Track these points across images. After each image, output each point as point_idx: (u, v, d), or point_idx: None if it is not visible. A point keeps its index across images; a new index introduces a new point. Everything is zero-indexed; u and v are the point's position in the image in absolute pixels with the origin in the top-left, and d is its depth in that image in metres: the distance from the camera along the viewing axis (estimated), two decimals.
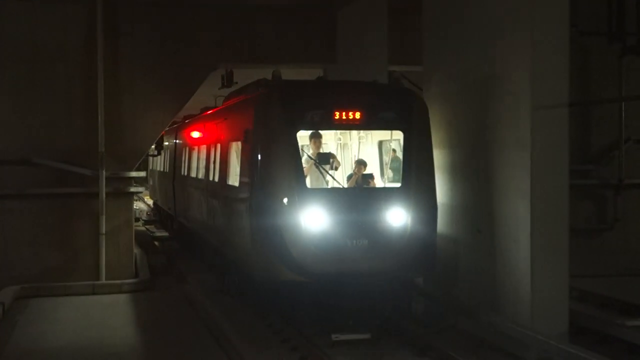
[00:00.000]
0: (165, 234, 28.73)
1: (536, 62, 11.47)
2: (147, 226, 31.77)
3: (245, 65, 19.56)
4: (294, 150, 12.04)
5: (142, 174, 19.01)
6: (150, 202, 45.82)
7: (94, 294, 16.69)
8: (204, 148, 17.97)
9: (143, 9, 17.70)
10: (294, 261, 11.73)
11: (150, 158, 32.36)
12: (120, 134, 17.50)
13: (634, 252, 18.05)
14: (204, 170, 17.51)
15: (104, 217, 17.13)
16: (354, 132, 14.25)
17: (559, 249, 11.61)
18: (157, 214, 33.65)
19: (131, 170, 17.74)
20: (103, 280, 17.10)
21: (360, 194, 12.67)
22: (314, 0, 18.11)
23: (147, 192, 51.89)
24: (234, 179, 14.10)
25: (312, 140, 13.32)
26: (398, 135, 13.06)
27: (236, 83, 21.21)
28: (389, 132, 13.48)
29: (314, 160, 13.16)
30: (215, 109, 19.19)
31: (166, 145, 27.49)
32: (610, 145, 18.24)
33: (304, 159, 12.73)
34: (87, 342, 12.73)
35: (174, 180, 23.56)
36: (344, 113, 12.34)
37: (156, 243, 26.34)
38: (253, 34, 18.22)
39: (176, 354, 12.12)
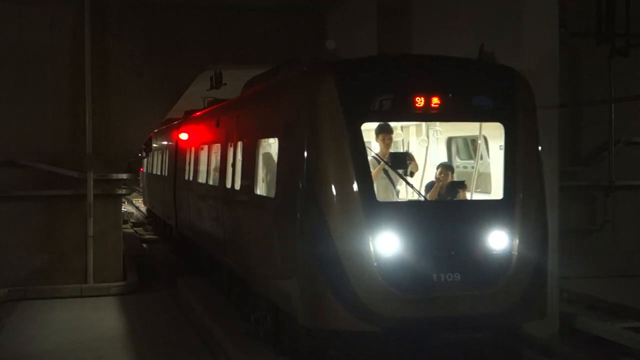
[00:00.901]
0: (153, 236, 28.63)
1: (525, 63, 11.45)
2: (135, 228, 31.66)
3: (234, 67, 19.50)
4: (359, 150, 9.07)
5: (124, 175, 18.26)
6: (140, 203, 45.73)
7: (81, 296, 16.60)
8: (217, 148, 15.09)
9: (131, 9, 17.62)
10: (357, 302, 8.72)
11: (145, 159, 30.93)
12: (108, 135, 17.42)
13: (623, 254, 18.05)
14: (217, 175, 14.65)
15: (91, 219, 17.04)
16: (422, 125, 11.35)
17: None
18: (152, 222, 31.54)
19: (119, 172, 17.65)
20: (91, 283, 17.01)
21: (449, 209, 9.63)
22: (303, 1, 18.07)
23: (136, 195, 51.74)
24: (266, 188, 11.44)
25: (380, 135, 10.44)
26: (489, 129, 10.17)
27: (225, 84, 21.13)
28: (469, 125, 10.54)
29: (385, 162, 10.22)
30: (233, 99, 15.95)
31: (163, 145, 25.13)
32: (600, 146, 18.23)
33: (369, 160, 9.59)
34: (75, 345, 12.63)
35: (176, 186, 20.71)
36: (424, 99, 9.26)
37: (144, 245, 26.25)
38: (242, 35, 18.16)
39: (164, 356, 12.05)
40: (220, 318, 13.99)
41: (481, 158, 10.50)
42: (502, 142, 9.67)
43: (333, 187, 8.93)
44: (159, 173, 25.62)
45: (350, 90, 9.19)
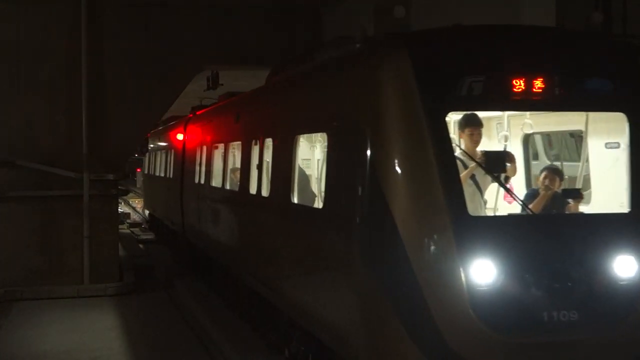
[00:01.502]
0: (150, 236, 28.56)
1: None
2: (132, 229, 31.61)
3: (231, 67, 19.46)
4: (444, 148, 6.98)
5: (120, 176, 18.14)
6: (137, 204, 45.70)
7: (78, 297, 16.54)
8: (235, 147, 13.41)
9: (127, 9, 17.56)
10: (442, 345, 6.81)
11: (146, 159, 29.53)
12: (104, 135, 17.36)
13: None
14: (237, 178, 12.91)
15: (88, 219, 16.98)
16: (504, 116, 8.99)
17: None
18: (154, 226, 29.25)
19: (116, 172, 17.60)
20: (87, 284, 16.95)
21: (563, 226, 7.44)
22: (300, 1, 18.04)
23: (133, 195, 51.72)
24: (308, 196, 9.96)
25: (467, 129, 8.17)
26: (591, 121, 8.22)
27: (221, 85, 21.11)
28: (575, 117, 8.48)
29: (479, 164, 7.96)
30: (257, 90, 13.76)
31: (167, 144, 23.21)
32: None
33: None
34: (71, 346, 12.58)
35: (183, 189, 19.05)
36: (524, 82, 7.21)
37: (141, 246, 26.20)
38: (238, 35, 18.12)
39: (161, 357, 12.01)
40: (218, 319, 13.96)
41: (586, 160, 8.39)
42: (609, 139, 7.96)
43: (410, 196, 6.93)
44: (162, 174, 23.78)
45: (430, 70, 7.14)
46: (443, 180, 6.85)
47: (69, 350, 12.32)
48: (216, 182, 14.79)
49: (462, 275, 6.76)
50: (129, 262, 19.91)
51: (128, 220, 34.33)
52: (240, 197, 12.35)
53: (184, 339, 13.04)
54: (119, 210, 24.89)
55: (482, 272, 6.82)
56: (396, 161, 7.03)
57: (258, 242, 11.25)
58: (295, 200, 9.51)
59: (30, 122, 17.01)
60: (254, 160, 11.44)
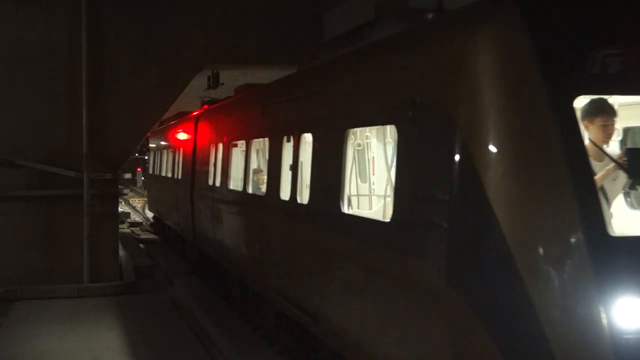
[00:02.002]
0: (151, 236, 28.56)
1: None
2: (132, 228, 31.63)
3: (231, 67, 19.46)
4: (574, 143, 5.23)
5: (121, 175, 18.15)
6: (137, 204, 45.70)
7: (78, 296, 16.55)
8: (260, 144, 12.36)
9: (127, 9, 17.57)
10: None
11: (151, 158, 27.97)
12: (104, 135, 17.37)
13: None
14: (263, 180, 11.65)
15: (88, 219, 17.00)
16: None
17: None
18: (159, 230, 28.03)
19: (116, 172, 17.62)
20: (87, 283, 16.97)
21: None
22: (300, 1, 18.04)
23: (133, 195, 51.67)
24: (367, 204, 8.68)
25: (598, 119, 6.07)
26: None
27: (222, 84, 21.11)
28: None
29: (619, 164, 5.92)
30: (287, 78, 11.78)
31: (174, 142, 21.62)
32: None
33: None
34: (72, 345, 12.58)
35: (194, 191, 17.65)
36: None
37: (141, 245, 26.22)
38: (238, 35, 18.12)
39: (160, 357, 12.02)
40: (218, 318, 13.97)
41: None
42: None
43: (529, 208, 5.19)
44: (169, 175, 22.43)
45: (553, 38, 5.34)
46: (575, 186, 5.01)
47: (68, 350, 12.32)
48: (235, 184, 13.27)
49: (604, 316, 4.87)
50: (129, 262, 19.92)
51: (128, 220, 34.38)
52: (267, 204, 10.55)
53: (183, 338, 13.03)
54: (119, 209, 24.87)
55: (632, 313, 4.91)
56: (508, 161, 5.29)
57: (290, 258, 9.55)
58: (347, 211, 7.86)
59: (31, 122, 17.02)
60: (286, 160, 9.76)
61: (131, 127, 17.75)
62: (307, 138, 9.22)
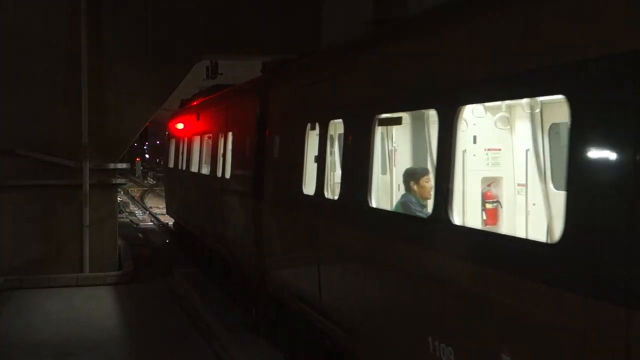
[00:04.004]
0: (149, 224, 28.48)
1: None
2: (131, 218, 31.65)
3: (229, 57, 19.45)
4: None
5: (120, 165, 17.87)
6: (135, 193, 45.63)
7: (77, 286, 16.60)
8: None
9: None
10: None
11: (171, 147, 22.58)
12: (104, 125, 17.37)
13: None
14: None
15: (87, 209, 17.03)
16: None
17: None
18: (183, 243, 22.31)
19: (115, 161, 17.64)
20: (87, 273, 17.01)
21: None
22: None
23: (132, 185, 51.46)
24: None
25: None
26: None
27: (221, 74, 21.11)
28: None
29: None
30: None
31: (218, 125, 15.89)
32: None
33: None
34: (71, 335, 12.64)
35: (263, 202, 11.50)
36: None
37: (140, 235, 26.24)
38: (237, 25, 18.10)
39: (159, 346, 12.06)
40: (216, 308, 14.03)
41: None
42: None
43: None
44: (204, 172, 16.88)
45: None
46: None
47: (68, 339, 12.37)
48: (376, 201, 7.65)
49: None
50: (128, 251, 19.96)
51: (127, 210, 34.42)
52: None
53: (182, 328, 13.07)
54: (118, 199, 24.87)
55: None
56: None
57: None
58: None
59: (30, 112, 17.01)
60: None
61: (130, 117, 17.75)
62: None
